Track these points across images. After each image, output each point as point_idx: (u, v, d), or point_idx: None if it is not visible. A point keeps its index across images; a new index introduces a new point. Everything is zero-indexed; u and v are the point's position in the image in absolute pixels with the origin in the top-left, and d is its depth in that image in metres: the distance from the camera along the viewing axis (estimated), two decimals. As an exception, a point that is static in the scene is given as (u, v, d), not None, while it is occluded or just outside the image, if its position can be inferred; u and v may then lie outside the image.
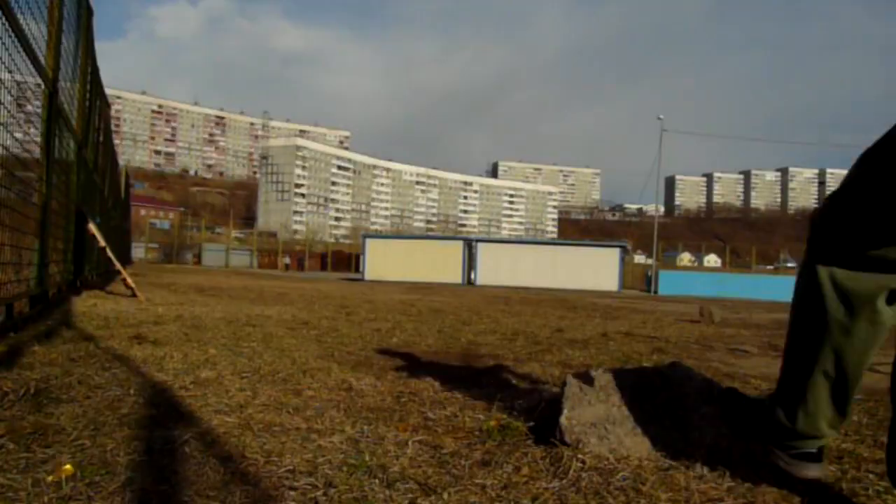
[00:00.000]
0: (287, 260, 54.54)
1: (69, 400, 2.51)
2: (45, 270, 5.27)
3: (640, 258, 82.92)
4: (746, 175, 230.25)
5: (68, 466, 1.76)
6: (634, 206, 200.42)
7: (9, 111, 3.86)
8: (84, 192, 8.35)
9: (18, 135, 4.34)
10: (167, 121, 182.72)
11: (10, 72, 3.80)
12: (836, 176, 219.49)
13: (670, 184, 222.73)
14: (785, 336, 1.91)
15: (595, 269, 28.80)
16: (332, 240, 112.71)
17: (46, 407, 2.38)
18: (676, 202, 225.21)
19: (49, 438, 2.03)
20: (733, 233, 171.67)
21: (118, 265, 8.69)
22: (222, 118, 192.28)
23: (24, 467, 1.78)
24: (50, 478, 1.69)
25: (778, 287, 30.63)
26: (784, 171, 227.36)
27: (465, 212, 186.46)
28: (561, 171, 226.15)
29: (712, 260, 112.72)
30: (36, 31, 4.53)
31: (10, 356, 3.18)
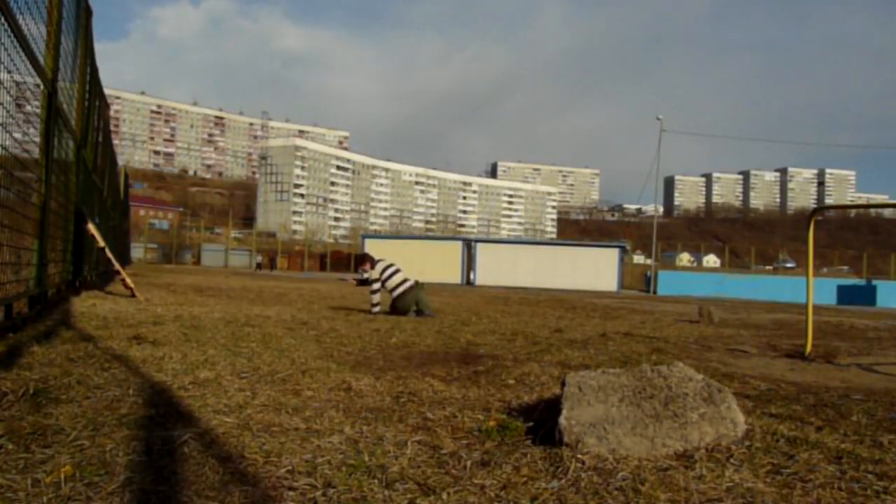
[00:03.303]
0: (260, 258, 51.81)
1: (68, 400, 2.51)
2: (44, 271, 5.27)
3: (639, 258, 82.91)
4: (745, 175, 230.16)
5: (67, 467, 1.76)
6: (633, 207, 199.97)
7: (8, 111, 3.86)
8: (83, 192, 8.34)
9: (17, 135, 4.34)
10: (166, 121, 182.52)
11: (9, 72, 3.79)
12: (836, 176, 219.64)
13: (669, 184, 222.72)
14: None
15: (594, 270, 28.81)
16: (332, 240, 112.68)
17: (45, 407, 2.38)
18: (676, 202, 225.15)
19: (48, 439, 2.03)
20: (732, 233, 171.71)
21: (117, 265, 8.69)
22: (221, 118, 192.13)
23: (24, 467, 1.78)
24: (49, 478, 1.69)
25: (777, 287, 30.69)
26: (783, 172, 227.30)
27: (465, 212, 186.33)
28: (560, 171, 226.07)
29: (711, 260, 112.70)
30: (35, 31, 4.53)
31: (9, 356, 3.18)
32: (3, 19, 3.51)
